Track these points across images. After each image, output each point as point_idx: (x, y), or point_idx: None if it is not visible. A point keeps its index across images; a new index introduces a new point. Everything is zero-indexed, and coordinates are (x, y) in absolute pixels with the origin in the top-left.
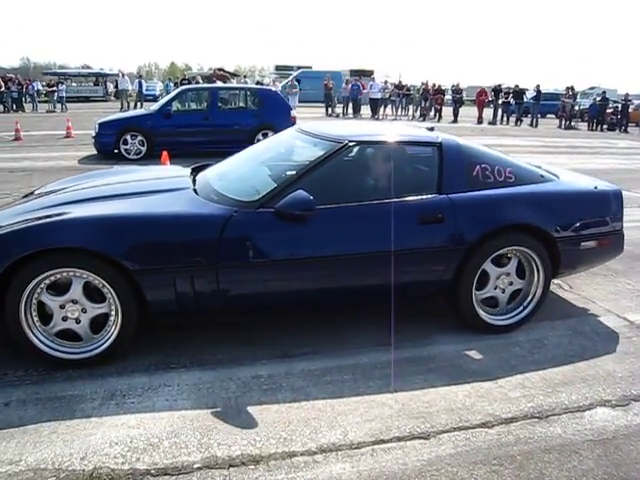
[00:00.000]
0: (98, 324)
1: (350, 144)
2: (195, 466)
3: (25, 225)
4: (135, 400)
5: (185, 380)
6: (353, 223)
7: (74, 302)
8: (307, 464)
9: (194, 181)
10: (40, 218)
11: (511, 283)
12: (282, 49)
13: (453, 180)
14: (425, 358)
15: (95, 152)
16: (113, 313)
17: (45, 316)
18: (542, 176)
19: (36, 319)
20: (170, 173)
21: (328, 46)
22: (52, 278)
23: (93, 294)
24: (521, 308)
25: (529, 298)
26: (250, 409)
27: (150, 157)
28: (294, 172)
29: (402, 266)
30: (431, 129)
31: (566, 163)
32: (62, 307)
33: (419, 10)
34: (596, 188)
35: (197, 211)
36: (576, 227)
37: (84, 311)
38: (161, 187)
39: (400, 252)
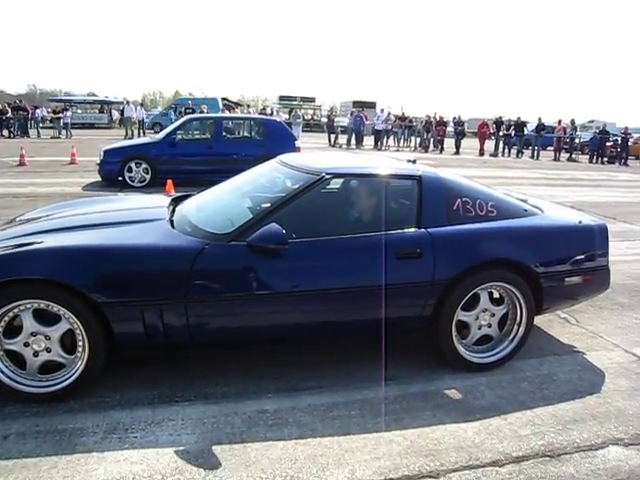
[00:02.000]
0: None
1: (327, 176)
2: None
3: None
4: (138, 434)
5: (189, 414)
6: (328, 257)
7: (34, 334)
8: None
9: (173, 211)
10: (8, 247)
11: (493, 315)
12: (285, 79)
13: (433, 214)
14: (433, 393)
15: (99, 179)
16: (80, 348)
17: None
18: (526, 210)
19: (1, 352)
20: (151, 203)
21: (331, 77)
22: (14, 311)
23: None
24: (503, 345)
25: (511, 335)
26: (256, 445)
27: (154, 185)
28: (270, 204)
29: (379, 301)
30: (413, 161)
31: (567, 195)
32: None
33: (420, 41)
34: (580, 223)
35: (168, 243)
36: (560, 262)
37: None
38: (136, 218)
39: (377, 287)
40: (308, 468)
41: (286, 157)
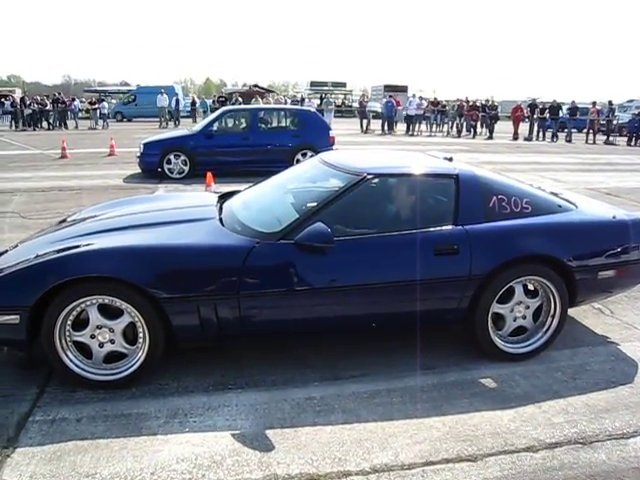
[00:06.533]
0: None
1: (369, 177)
2: None
3: (57, 255)
4: (197, 419)
5: (242, 400)
6: (370, 254)
7: (99, 327)
8: None
9: (220, 209)
10: (71, 248)
11: (527, 307)
12: (315, 63)
13: (469, 212)
14: (469, 382)
15: (139, 170)
16: (141, 339)
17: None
18: (560, 206)
19: (70, 343)
20: (197, 201)
21: (361, 60)
22: (81, 306)
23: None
24: (537, 336)
25: (545, 327)
26: (305, 430)
27: (193, 176)
28: (315, 203)
29: (418, 295)
30: (450, 159)
31: (603, 181)
32: (93, 334)
33: (451, 25)
34: (614, 217)
35: (221, 242)
36: (593, 257)
37: (112, 333)
38: (188, 217)
39: (416, 282)
40: (354, 451)
41: (327, 156)
